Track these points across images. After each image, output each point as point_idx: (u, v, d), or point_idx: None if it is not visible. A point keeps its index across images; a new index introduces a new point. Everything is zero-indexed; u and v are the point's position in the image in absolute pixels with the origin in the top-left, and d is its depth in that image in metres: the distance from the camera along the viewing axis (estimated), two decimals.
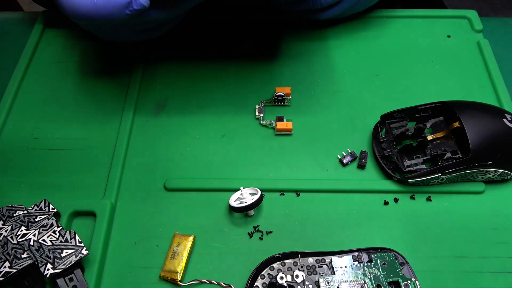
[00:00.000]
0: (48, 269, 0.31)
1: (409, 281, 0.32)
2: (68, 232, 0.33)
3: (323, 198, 0.37)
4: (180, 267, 0.33)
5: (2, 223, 0.33)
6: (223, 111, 0.42)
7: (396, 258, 0.33)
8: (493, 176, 0.37)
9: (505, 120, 0.36)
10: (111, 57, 0.46)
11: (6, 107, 0.42)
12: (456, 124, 0.37)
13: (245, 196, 0.36)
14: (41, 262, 0.31)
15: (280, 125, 0.40)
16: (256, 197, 0.35)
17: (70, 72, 0.45)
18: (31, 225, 0.33)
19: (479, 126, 0.35)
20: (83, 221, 0.36)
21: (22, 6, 0.84)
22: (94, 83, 0.44)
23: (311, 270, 0.33)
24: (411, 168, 0.37)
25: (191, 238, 0.35)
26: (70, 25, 0.48)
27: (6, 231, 0.33)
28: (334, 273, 0.32)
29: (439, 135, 0.39)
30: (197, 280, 0.33)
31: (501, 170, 0.36)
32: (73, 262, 0.31)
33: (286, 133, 0.41)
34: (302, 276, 0.32)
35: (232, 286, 0.33)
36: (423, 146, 0.38)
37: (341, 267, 0.33)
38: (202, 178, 0.38)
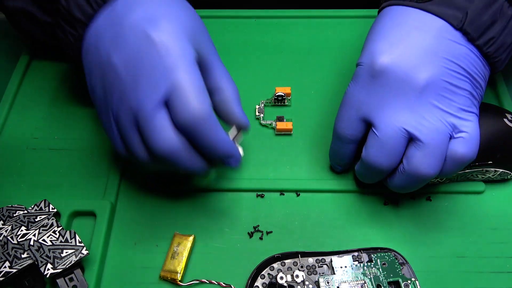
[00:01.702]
0: (48, 269, 0.31)
1: (409, 281, 0.32)
2: (68, 232, 0.33)
3: (323, 198, 0.37)
4: (180, 267, 0.33)
5: (2, 223, 0.33)
6: None
7: (396, 258, 0.33)
8: (493, 176, 0.37)
9: (505, 120, 0.36)
10: None
11: (6, 107, 0.42)
12: None
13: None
14: (41, 262, 0.31)
15: (280, 125, 0.40)
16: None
17: (71, 71, 0.45)
18: (31, 225, 0.33)
19: (479, 126, 0.35)
20: (83, 221, 0.36)
21: None
22: None
23: (311, 270, 0.33)
24: None
25: (191, 238, 0.35)
26: None
27: (6, 231, 0.33)
28: (334, 273, 0.32)
29: None
30: (197, 280, 0.33)
31: (501, 170, 0.36)
32: (73, 262, 0.31)
33: (286, 133, 0.41)
34: (302, 276, 0.32)
35: (232, 286, 0.33)
36: None
37: (341, 267, 0.33)
38: (202, 178, 0.38)
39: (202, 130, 0.29)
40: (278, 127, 0.40)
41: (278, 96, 0.42)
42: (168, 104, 0.28)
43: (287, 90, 0.42)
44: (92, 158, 0.40)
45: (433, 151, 0.29)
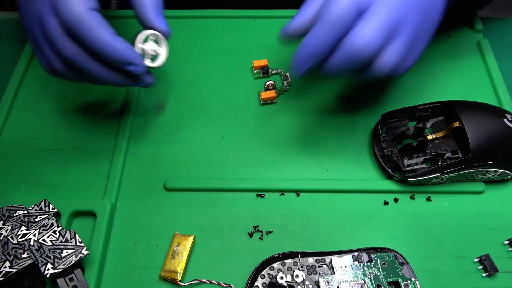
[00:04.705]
0: (48, 269, 0.31)
1: (409, 281, 0.32)
2: (68, 232, 0.33)
3: (323, 198, 0.37)
4: (180, 267, 0.33)
5: (2, 223, 0.33)
6: (223, 111, 0.42)
7: (396, 258, 0.33)
8: (493, 176, 0.37)
9: (505, 120, 0.36)
10: None
11: (6, 107, 0.42)
12: (457, 124, 0.37)
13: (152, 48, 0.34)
14: (41, 262, 0.31)
15: (265, 95, 0.42)
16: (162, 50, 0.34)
17: None
18: (31, 225, 0.33)
19: (479, 126, 0.35)
20: (83, 221, 0.36)
21: None
22: None
23: (311, 270, 0.33)
24: (411, 168, 0.37)
25: (191, 238, 0.35)
26: None
27: (6, 231, 0.33)
28: (334, 273, 0.32)
29: (439, 134, 0.39)
30: (197, 280, 0.33)
31: (501, 170, 0.36)
32: (73, 262, 0.31)
33: (271, 101, 0.42)
34: (302, 276, 0.32)
35: (232, 286, 0.33)
36: (423, 146, 0.38)
37: (341, 267, 0.33)
38: (202, 178, 0.38)
39: (81, 30, 0.29)
40: (262, 96, 0.42)
41: (264, 72, 0.44)
42: (55, 10, 0.30)
43: (264, 62, 0.44)
44: (92, 158, 0.40)
45: (405, 46, 0.31)
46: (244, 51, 0.46)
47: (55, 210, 0.34)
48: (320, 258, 0.33)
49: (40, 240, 0.32)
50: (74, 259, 0.31)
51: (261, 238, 0.36)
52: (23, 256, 0.31)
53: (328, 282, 0.32)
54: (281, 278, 0.32)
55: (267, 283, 0.32)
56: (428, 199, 0.37)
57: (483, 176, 0.37)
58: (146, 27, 0.33)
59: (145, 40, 0.33)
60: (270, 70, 0.44)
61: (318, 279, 0.32)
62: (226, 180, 0.38)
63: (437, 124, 0.40)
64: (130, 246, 0.35)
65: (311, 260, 0.33)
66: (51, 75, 0.34)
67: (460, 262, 0.34)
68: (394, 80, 0.42)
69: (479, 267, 0.34)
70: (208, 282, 0.33)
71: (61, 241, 0.32)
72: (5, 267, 0.31)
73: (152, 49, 0.34)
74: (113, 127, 0.41)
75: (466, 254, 0.35)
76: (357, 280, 0.32)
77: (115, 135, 0.41)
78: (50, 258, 0.31)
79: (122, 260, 0.35)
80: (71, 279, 0.32)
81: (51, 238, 0.32)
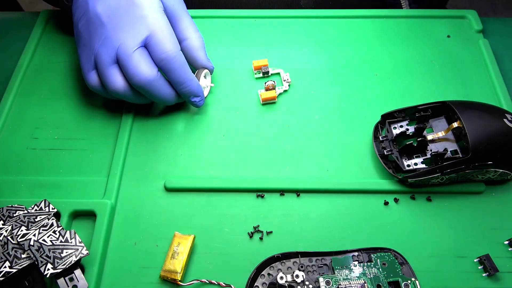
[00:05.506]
0: (48, 269, 0.31)
1: (409, 281, 0.32)
2: (68, 232, 0.33)
3: (323, 198, 0.37)
4: (180, 267, 0.33)
5: (2, 223, 0.33)
6: (223, 111, 0.42)
7: (396, 258, 0.33)
8: (493, 176, 0.37)
9: (505, 120, 0.36)
10: None
11: (6, 107, 0.42)
12: (457, 124, 0.37)
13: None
14: (41, 262, 0.31)
15: (265, 95, 0.42)
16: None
17: (70, 72, 0.45)
18: (31, 225, 0.33)
19: (479, 126, 0.35)
20: (83, 221, 0.36)
21: (22, 6, 0.84)
22: None
23: (311, 270, 0.33)
24: (411, 168, 0.37)
25: (191, 238, 0.35)
26: (69, 26, 0.48)
27: (6, 231, 0.33)
28: (334, 273, 0.32)
29: (439, 134, 0.39)
30: (197, 280, 0.33)
31: (501, 170, 0.36)
32: (73, 262, 0.31)
33: (271, 101, 0.43)
34: (302, 276, 0.32)
35: (232, 286, 0.33)
36: (423, 146, 0.38)
37: (341, 267, 0.33)
38: (202, 178, 0.38)
39: (174, 66, 0.37)
40: (262, 96, 0.42)
41: (264, 72, 0.44)
42: (146, 45, 0.36)
43: (264, 62, 0.44)
44: (92, 158, 0.40)
45: None
46: (244, 51, 0.46)
47: (55, 210, 0.34)
48: (320, 258, 0.33)
49: (40, 240, 0.32)
50: (74, 259, 0.31)
51: (261, 238, 0.36)
52: (23, 256, 0.31)
53: (328, 282, 0.32)
54: (281, 278, 0.32)
55: (267, 283, 0.32)
56: (428, 199, 0.37)
57: (483, 176, 0.37)
58: (197, 66, 0.41)
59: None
60: (270, 70, 0.44)
61: (318, 279, 0.32)
62: (226, 180, 0.38)
63: (437, 124, 0.40)
64: (130, 246, 0.35)
65: (311, 260, 0.33)
66: (93, 89, 0.39)
67: (460, 262, 0.34)
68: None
69: (479, 267, 0.34)
70: (208, 282, 0.33)
71: (61, 241, 0.32)
72: (5, 267, 0.31)
73: (207, 84, 0.42)
74: (113, 127, 0.41)
75: (466, 254, 0.35)
76: (357, 280, 0.32)
77: (115, 135, 0.41)
78: (50, 258, 0.31)
79: (122, 260, 0.35)
80: (71, 279, 0.32)
81: (51, 238, 0.32)
